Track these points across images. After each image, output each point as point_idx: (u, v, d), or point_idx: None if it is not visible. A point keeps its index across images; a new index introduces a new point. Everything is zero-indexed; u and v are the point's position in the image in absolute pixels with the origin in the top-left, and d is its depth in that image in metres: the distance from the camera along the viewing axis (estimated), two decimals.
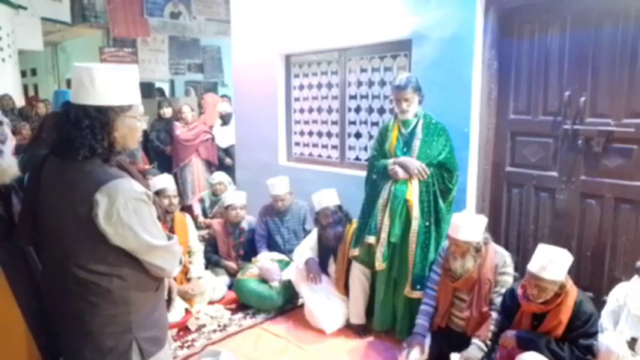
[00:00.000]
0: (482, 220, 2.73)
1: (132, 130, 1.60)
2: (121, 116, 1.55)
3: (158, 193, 3.45)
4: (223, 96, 7.29)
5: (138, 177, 1.64)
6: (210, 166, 5.83)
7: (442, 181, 2.98)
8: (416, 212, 2.94)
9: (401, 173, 2.96)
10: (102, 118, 1.50)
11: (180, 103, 6.38)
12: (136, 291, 1.58)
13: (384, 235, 3.00)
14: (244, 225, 4.19)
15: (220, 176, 5.04)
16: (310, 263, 3.43)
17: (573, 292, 2.35)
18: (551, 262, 2.27)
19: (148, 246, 1.53)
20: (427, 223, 2.96)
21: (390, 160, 3.04)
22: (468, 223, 2.65)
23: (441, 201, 2.98)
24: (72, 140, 1.48)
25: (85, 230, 1.47)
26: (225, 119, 6.12)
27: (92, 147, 1.49)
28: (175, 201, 3.58)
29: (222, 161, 5.94)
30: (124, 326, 1.57)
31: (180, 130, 5.69)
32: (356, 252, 3.20)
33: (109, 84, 1.52)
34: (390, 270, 3.09)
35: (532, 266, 2.32)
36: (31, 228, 1.61)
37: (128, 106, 1.57)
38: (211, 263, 4.07)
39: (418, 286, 2.97)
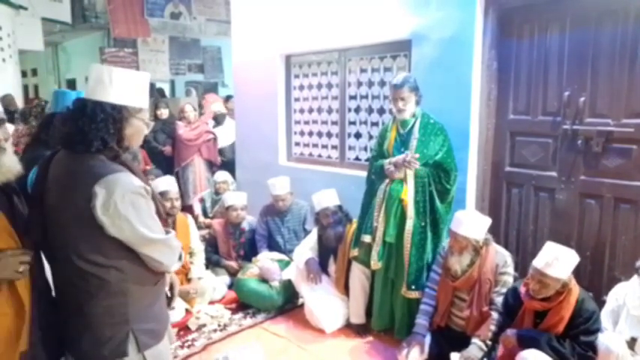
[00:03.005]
0: (486, 220, 2.73)
1: (138, 131, 1.70)
2: (133, 116, 1.65)
3: (160, 195, 3.46)
4: (229, 97, 7.26)
5: (139, 174, 1.70)
6: (212, 166, 5.85)
7: (439, 181, 2.98)
8: (411, 212, 2.95)
9: (395, 172, 2.98)
10: (116, 115, 1.60)
11: (181, 103, 6.38)
12: (135, 284, 1.63)
13: (379, 234, 3.02)
14: (245, 225, 4.20)
15: (224, 175, 5.06)
16: (310, 263, 3.44)
17: (576, 290, 2.37)
18: (557, 260, 2.28)
19: (144, 238, 1.57)
20: (423, 224, 2.97)
21: (386, 160, 3.05)
22: (470, 219, 2.67)
23: (438, 201, 2.98)
24: (86, 133, 1.56)
25: (84, 221, 1.52)
26: (218, 119, 6.11)
27: (104, 140, 1.57)
28: (177, 204, 3.57)
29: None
30: (121, 317, 1.61)
31: (182, 130, 5.71)
32: (356, 252, 3.21)
33: (126, 85, 1.62)
34: (387, 270, 3.10)
35: (537, 262, 2.34)
36: (40, 226, 1.64)
37: (139, 108, 1.67)
38: (212, 263, 4.08)
39: (414, 286, 2.98)
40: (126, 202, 1.51)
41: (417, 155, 2.91)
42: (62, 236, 1.58)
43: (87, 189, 1.50)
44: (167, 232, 1.69)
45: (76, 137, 1.57)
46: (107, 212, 1.50)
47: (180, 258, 1.77)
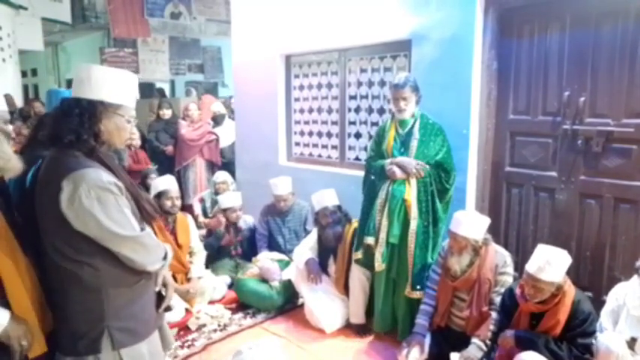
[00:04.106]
0: (485, 220, 2.73)
1: (119, 128, 1.71)
2: (109, 112, 1.67)
3: (161, 194, 3.47)
4: (230, 98, 7.25)
5: (118, 171, 1.72)
6: (213, 167, 5.86)
7: (439, 180, 2.99)
8: (414, 212, 2.95)
9: (399, 173, 2.97)
10: (91, 110, 1.64)
11: (184, 102, 6.38)
12: (110, 281, 1.63)
13: (382, 235, 3.01)
14: (241, 224, 4.23)
15: (224, 175, 5.06)
16: (310, 263, 3.44)
17: (571, 291, 2.36)
18: (549, 264, 2.28)
19: (111, 234, 1.58)
20: (426, 223, 2.97)
21: (388, 161, 3.04)
22: (469, 219, 2.67)
23: (438, 201, 2.99)
24: (60, 126, 1.60)
25: (56, 215, 1.55)
26: (218, 120, 6.11)
27: (78, 132, 1.60)
28: (178, 202, 3.59)
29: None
30: (97, 314, 1.63)
31: (185, 130, 5.71)
32: (359, 255, 3.18)
33: (104, 81, 1.66)
34: (389, 271, 3.09)
35: (530, 267, 2.33)
36: (32, 225, 1.65)
37: (118, 105, 1.69)
38: (213, 248, 4.05)
39: (418, 286, 2.98)
40: (91, 197, 1.53)
41: (425, 169, 2.94)
42: (43, 232, 1.62)
43: (56, 183, 1.53)
44: (142, 229, 1.69)
45: (54, 132, 1.62)
46: (72, 206, 1.52)
47: (165, 258, 1.75)
